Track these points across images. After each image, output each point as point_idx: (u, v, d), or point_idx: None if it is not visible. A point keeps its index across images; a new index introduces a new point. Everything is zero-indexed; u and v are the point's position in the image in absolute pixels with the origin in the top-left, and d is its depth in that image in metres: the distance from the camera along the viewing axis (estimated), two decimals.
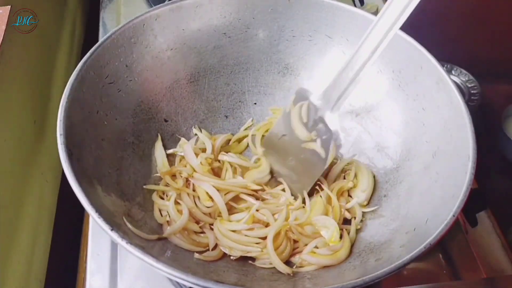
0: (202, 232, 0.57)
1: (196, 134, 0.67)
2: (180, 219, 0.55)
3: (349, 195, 0.62)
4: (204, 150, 0.65)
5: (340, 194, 0.61)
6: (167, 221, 0.56)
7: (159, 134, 0.65)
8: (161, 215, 0.57)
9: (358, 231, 0.58)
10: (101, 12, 0.94)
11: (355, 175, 0.63)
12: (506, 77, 0.96)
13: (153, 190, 0.60)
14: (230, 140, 0.69)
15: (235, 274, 0.53)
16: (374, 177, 0.62)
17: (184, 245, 0.54)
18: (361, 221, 0.59)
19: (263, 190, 0.62)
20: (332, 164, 0.64)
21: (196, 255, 0.53)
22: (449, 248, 0.64)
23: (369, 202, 0.61)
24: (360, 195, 0.61)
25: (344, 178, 0.64)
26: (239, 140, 0.70)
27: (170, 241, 0.54)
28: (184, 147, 0.64)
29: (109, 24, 0.91)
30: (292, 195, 0.61)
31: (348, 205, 0.60)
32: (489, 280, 0.62)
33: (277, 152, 0.63)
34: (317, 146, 0.57)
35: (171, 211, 0.56)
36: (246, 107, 0.71)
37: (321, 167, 0.58)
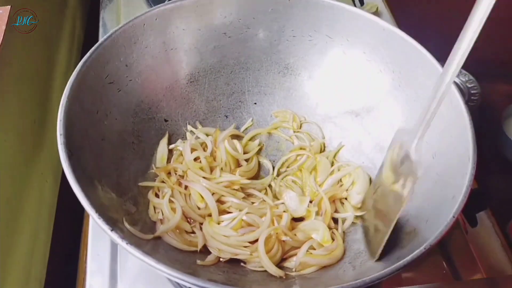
0: (193, 232, 0.57)
1: (191, 131, 0.67)
2: (174, 217, 0.55)
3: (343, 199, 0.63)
4: (205, 145, 0.65)
5: (331, 201, 0.61)
6: (160, 220, 0.56)
7: (167, 132, 0.65)
8: (155, 213, 0.58)
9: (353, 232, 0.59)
10: (101, 12, 0.94)
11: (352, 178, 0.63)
12: (506, 77, 0.96)
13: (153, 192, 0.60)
14: (236, 134, 0.69)
15: (234, 274, 0.53)
16: (370, 179, 0.62)
17: (176, 244, 0.54)
18: (353, 223, 0.60)
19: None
20: (331, 173, 0.64)
21: (198, 262, 0.53)
22: (449, 248, 0.64)
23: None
24: (355, 197, 0.61)
25: (341, 181, 0.64)
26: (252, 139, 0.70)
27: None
28: (184, 143, 0.64)
29: (109, 24, 0.91)
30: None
31: (336, 215, 0.60)
32: (489, 280, 0.62)
33: (375, 202, 0.58)
34: (399, 186, 0.51)
35: (164, 209, 0.56)
36: (246, 107, 0.71)
37: (398, 206, 0.49)
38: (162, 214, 0.57)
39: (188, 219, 0.58)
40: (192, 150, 0.63)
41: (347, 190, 0.62)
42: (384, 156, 0.55)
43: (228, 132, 0.67)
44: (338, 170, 0.64)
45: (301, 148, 0.68)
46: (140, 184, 0.59)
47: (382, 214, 0.54)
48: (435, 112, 0.45)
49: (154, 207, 0.58)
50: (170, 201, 0.57)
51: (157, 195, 0.59)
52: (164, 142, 0.64)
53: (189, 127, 0.67)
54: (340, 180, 0.64)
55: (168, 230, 0.54)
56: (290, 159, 0.67)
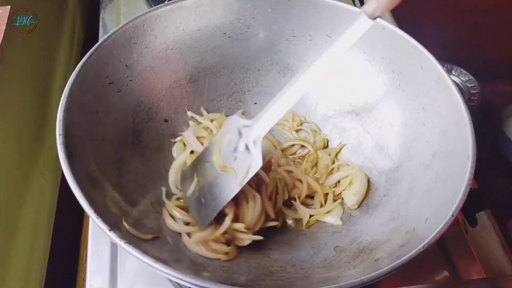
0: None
1: (192, 117, 0.67)
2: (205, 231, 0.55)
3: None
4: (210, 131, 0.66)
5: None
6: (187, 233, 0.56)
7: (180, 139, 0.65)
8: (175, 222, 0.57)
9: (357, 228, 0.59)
10: (101, 12, 0.94)
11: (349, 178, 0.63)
12: (506, 77, 0.96)
13: (153, 192, 0.59)
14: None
15: (234, 274, 0.53)
16: (368, 180, 0.62)
17: (203, 252, 0.54)
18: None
19: None
20: (331, 171, 0.65)
21: (223, 257, 0.54)
22: (449, 248, 0.64)
23: (359, 205, 0.61)
24: (351, 198, 0.61)
25: (338, 181, 0.64)
26: None
27: (167, 242, 0.54)
28: (184, 134, 0.65)
29: (109, 24, 0.91)
30: None
31: (324, 218, 0.61)
32: (489, 280, 0.62)
33: (198, 176, 0.60)
34: (232, 170, 0.56)
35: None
36: (247, 107, 0.71)
37: (234, 190, 0.54)
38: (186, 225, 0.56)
39: None
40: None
41: (344, 190, 0.62)
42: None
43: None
44: (338, 169, 0.64)
45: (304, 141, 0.68)
46: (166, 201, 0.59)
47: (214, 190, 0.56)
48: (280, 114, 0.51)
49: (173, 217, 0.57)
50: None
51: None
52: (183, 152, 0.64)
53: (190, 113, 0.67)
54: (339, 181, 0.64)
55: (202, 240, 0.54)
56: (291, 149, 0.68)
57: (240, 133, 0.56)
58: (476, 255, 0.63)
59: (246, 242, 0.56)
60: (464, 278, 0.62)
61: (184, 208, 0.58)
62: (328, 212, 0.61)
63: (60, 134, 0.48)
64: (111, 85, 0.58)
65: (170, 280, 0.58)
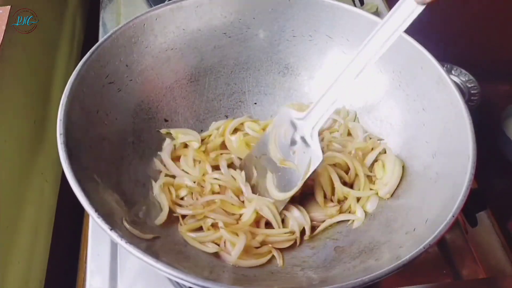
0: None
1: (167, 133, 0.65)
2: (239, 240, 0.54)
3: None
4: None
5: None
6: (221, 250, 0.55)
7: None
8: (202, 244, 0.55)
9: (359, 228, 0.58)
10: (101, 12, 0.94)
11: (383, 165, 0.61)
12: (506, 77, 0.96)
13: (151, 189, 0.59)
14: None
15: (234, 274, 0.53)
16: (403, 167, 0.59)
17: (254, 263, 0.54)
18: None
19: None
20: (367, 151, 0.63)
21: (279, 262, 0.54)
22: (449, 248, 0.64)
23: (392, 195, 0.59)
24: (383, 188, 0.59)
25: (373, 171, 0.62)
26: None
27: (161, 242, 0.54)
28: (162, 158, 0.63)
29: (109, 24, 0.91)
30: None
31: (342, 216, 0.59)
32: (489, 280, 0.62)
33: (256, 170, 0.61)
34: (293, 164, 0.57)
35: (228, 237, 0.54)
36: (247, 107, 0.71)
37: (296, 184, 0.57)
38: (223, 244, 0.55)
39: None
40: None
41: (377, 179, 0.61)
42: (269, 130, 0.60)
43: (240, 120, 0.68)
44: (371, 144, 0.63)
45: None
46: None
47: (278, 181, 0.58)
48: (333, 103, 0.53)
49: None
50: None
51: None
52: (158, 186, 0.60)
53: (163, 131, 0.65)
54: (373, 168, 0.62)
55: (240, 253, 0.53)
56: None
57: (294, 126, 0.56)
58: (476, 255, 0.63)
59: (286, 245, 0.56)
60: (464, 278, 0.62)
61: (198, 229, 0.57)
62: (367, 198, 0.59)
63: (60, 134, 0.48)
64: (111, 84, 0.58)
65: (170, 280, 0.58)
